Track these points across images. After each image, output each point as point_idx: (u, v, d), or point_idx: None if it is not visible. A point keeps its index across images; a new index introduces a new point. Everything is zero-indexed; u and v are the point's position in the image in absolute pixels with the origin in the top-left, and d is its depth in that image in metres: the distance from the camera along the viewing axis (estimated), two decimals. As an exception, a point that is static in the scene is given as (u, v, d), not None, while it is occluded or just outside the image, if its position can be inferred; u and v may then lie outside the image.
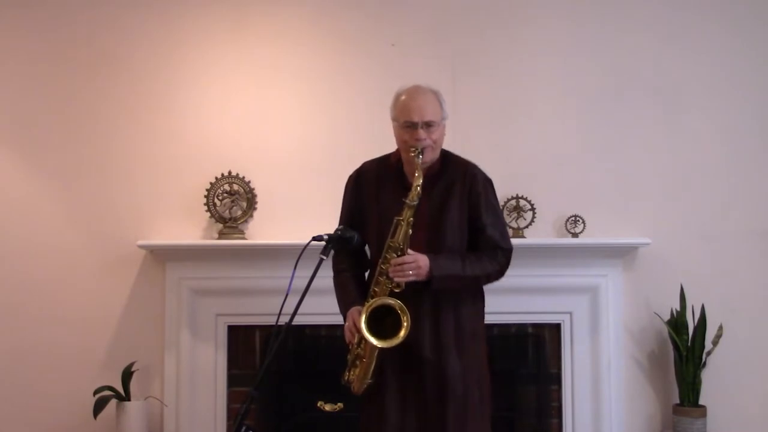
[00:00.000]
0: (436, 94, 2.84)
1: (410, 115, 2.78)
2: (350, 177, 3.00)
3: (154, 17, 4.07)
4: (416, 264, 2.71)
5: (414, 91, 2.83)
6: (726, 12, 4.07)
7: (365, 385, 2.79)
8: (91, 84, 4.05)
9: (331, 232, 2.77)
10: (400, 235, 2.72)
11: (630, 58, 4.05)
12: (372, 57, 4.04)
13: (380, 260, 2.75)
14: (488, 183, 2.92)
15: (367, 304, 2.73)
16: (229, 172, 3.99)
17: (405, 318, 2.68)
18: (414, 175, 2.75)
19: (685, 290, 3.89)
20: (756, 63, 4.07)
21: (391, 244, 2.73)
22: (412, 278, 2.71)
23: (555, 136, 4.02)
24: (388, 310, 2.71)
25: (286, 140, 4.04)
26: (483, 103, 3.89)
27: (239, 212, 3.97)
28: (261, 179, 4.01)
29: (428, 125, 2.77)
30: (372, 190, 2.91)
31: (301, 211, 3.94)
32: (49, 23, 4.06)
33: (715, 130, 4.05)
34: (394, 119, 2.85)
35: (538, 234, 3.93)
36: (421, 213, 2.77)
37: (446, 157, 2.91)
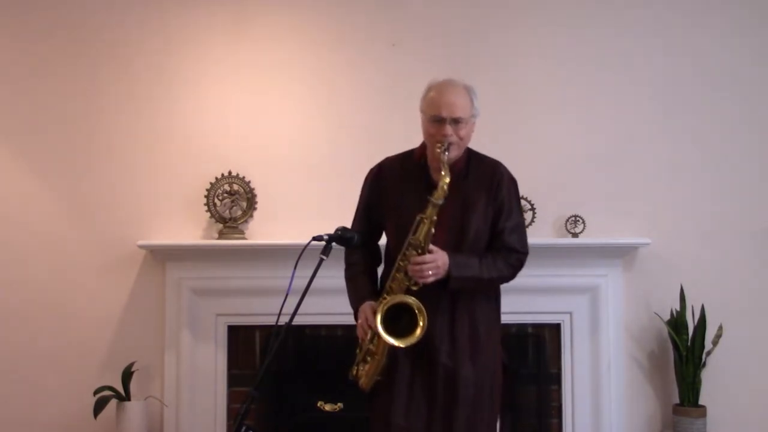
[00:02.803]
0: (467, 90, 2.79)
1: (439, 110, 2.72)
2: (371, 171, 2.95)
3: (153, 18, 4.07)
4: (435, 264, 2.66)
5: (445, 85, 2.78)
6: (724, 12, 4.07)
7: (373, 381, 2.76)
8: (92, 84, 4.05)
9: (331, 232, 2.76)
10: (422, 233, 2.66)
11: (629, 59, 4.05)
12: (372, 57, 4.04)
13: (399, 256, 2.70)
14: (513, 184, 2.87)
15: (383, 301, 2.68)
16: (229, 172, 3.99)
17: (422, 318, 2.64)
18: (438, 170, 2.69)
19: (685, 290, 3.89)
20: (755, 62, 4.07)
21: (412, 241, 2.67)
22: (431, 279, 2.66)
23: (555, 136, 4.02)
24: (403, 307, 2.67)
25: (286, 140, 4.04)
26: (483, 104, 3.88)
27: (239, 212, 3.97)
28: (261, 179, 4.01)
29: (456, 121, 2.72)
30: (394, 184, 2.86)
31: (301, 211, 3.94)
32: (49, 23, 4.06)
33: (714, 130, 4.05)
34: (423, 111, 2.81)
35: (538, 234, 3.92)
36: (445, 213, 2.72)
37: (471, 155, 2.86)
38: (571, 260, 3.92)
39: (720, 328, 3.88)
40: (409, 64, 3.95)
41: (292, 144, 4.04)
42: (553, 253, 3.89)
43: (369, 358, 2.75)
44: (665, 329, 3.91)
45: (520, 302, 3.77)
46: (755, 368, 3.99)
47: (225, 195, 3.97)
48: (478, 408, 2.77)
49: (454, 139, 2.72)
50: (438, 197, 2.66)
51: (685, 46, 4.06)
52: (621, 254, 3.97)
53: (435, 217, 2.66)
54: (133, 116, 4.04)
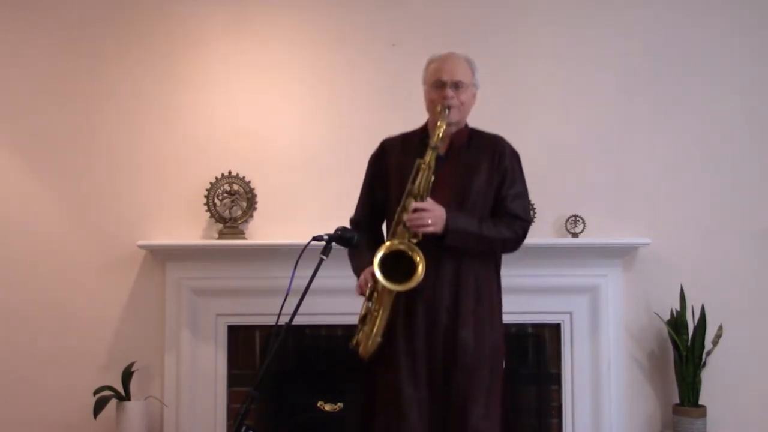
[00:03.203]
0: (468, 60, 2.90)
1: (440, 74, 2.82)
2: (372, 154, 3.00)
3: (153, 18, 4.07)
4: (434, 213, 2.67)
5: (446, 55, 2.89)
6: (724, 12, 4.07)
7: (374, 346, 2.72)
8: (92, 84, 4.05)
9: (331, 232, 2.76)
10: (422, 181, 2.69)
11: (629, 59, 4.05)
12: (372, 57, 4.04)
13: (398, 209, 2.71)
14: (515, 156, 2.93)
15: (379, 251, 2.67)
16: (229, 172, 3.99)
17: (417, 255, 2.63)
18: (441, 139, 2.73)
19: (685, 290, 3.89)
20: (755, 62, 4.07)
21: (411, 190, 2.69)
22: (429, 228, 2.66)
23: (555, 136, 4.02)
24: (402, 260, 2.65)
25: (286, 140, 4.04)
26: (483, 103, 3.89)
27: (239, 212, 3.97)
28: (261, 179, 4.01)
29: (457, 86, 2.81)
30: (396, 159, 2.89)
31: (301, 211, 3.94)
32: (50, 23, 4.06)
33: (714, 130, 4.05)
34: (425, 82, 2.89)
35: (538, 234, 3.92)
36: (447, 177, 2.76)
37: (473, 131, 2.93)
38: (571, 260, 3.92)
39: (720, 328, 3.88)
40: (409, 64, 3.89)
41: (292, 144, 4.04)
42: (553, 253, 3.89)
43: (368, 318, 2.73)
44: (665, 329, 3.91)
45: (520, 302, 3.76)
46: (755, 368, 3.99)
47: (225, 195, 3.97)
48: (475, 374, 2.74)
49: (455, 102, 2.80)
50: (434, 142, 2.71)
51: (685, 46, 4.06)
52: (621, 254, 3.97)
53: (433, 164, 2.69)
54: (133, 116, 4.04)
